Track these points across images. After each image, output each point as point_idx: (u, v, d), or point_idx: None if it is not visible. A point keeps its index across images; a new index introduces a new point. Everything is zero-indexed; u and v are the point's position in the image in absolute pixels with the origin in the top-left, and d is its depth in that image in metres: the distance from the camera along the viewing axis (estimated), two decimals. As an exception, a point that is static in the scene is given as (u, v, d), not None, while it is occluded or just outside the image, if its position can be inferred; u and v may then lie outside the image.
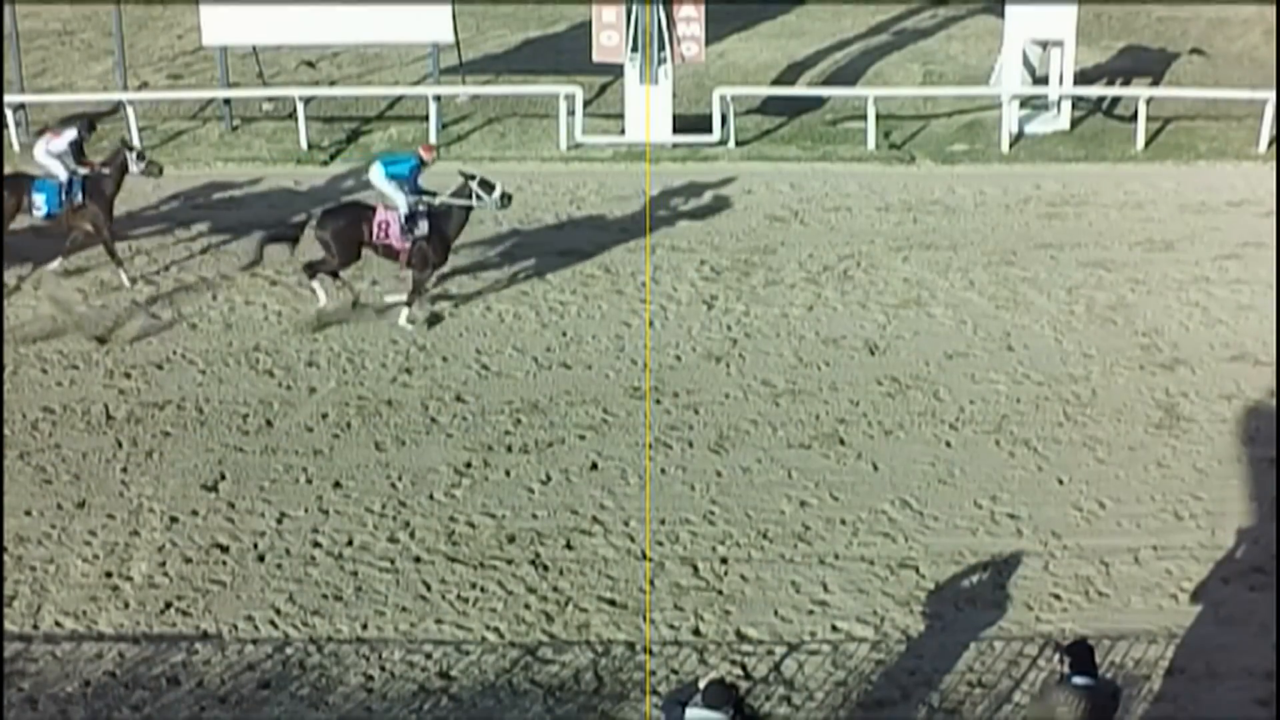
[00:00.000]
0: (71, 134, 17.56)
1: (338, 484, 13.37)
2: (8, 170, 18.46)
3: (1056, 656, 8.95)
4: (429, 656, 11.10)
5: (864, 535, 12.57)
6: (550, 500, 13.12)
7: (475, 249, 17.98)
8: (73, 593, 11.86)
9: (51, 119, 22.40)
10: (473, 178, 16.50)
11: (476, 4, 26.45)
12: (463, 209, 16.43)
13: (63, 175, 17.29)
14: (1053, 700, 8.78)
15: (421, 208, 16.30)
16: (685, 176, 20.55)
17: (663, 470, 13.57)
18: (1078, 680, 8.71)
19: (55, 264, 17.45)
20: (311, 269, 16.41)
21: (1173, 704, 10.55)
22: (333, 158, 21.55)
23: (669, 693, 9.59)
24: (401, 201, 16.22)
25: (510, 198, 16.70)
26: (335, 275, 16.47)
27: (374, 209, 16.35)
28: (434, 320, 16.35)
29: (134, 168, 17.47)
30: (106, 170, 17.46)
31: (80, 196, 17.26)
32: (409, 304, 16.31)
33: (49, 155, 17.40)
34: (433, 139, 21.79)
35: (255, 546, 12.47)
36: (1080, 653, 8.81)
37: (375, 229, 16.19)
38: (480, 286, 17.26)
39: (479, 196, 16.36)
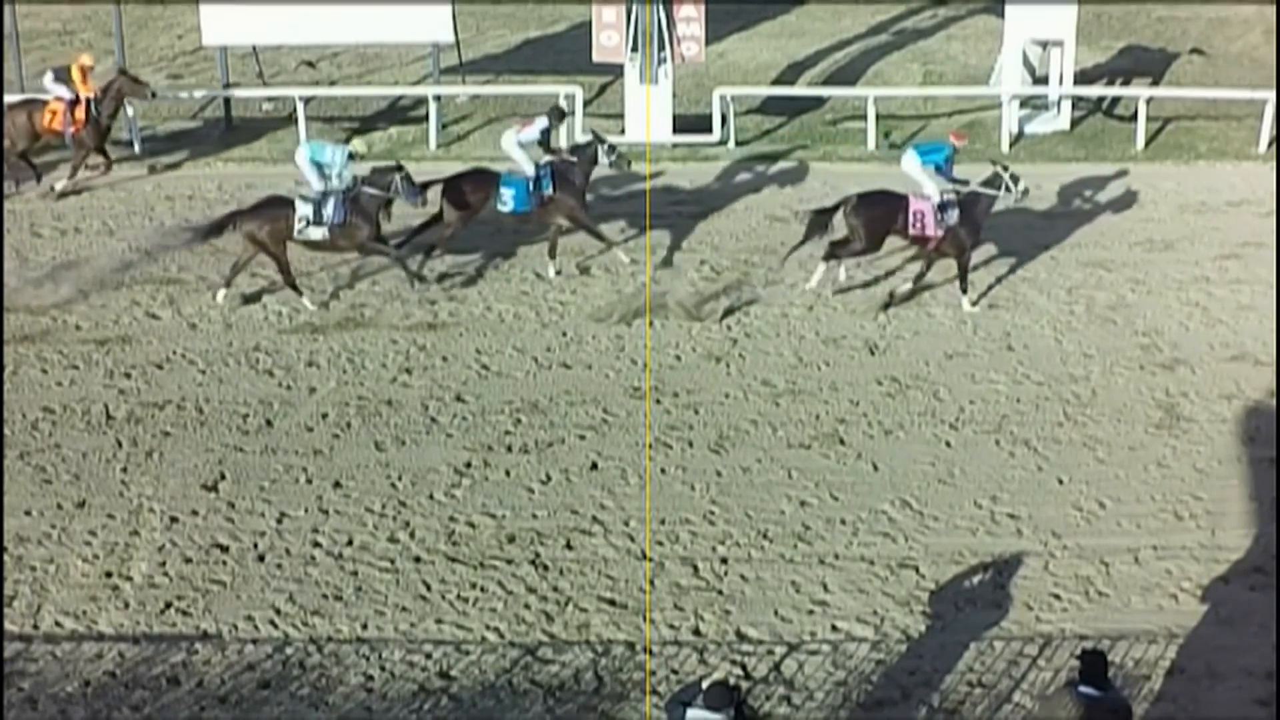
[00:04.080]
0: (543, 122, 17.66)
1: (338, 484, 13.37)
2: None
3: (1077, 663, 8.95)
4: (429, 656, 11.11)
5: (864, 535, 12.58)
6: (550, 500, 13.12)
7: (475, 249, 17.97)
8: (73, 593, 11.86)
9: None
10: (1005, 169, 16.79)
11: (476, 4, 26.40)
12: (989, 197, 16.71)
13: (529, 169, 17.32)
14: (1054, 704, 8.80)
15: (950, 196, 16.55)
16: (685, 176, 20.53)
17: (663, 470, 13.57)
18: (1083, 690, 8.70)
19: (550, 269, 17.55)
20: (834, 252, 16.66)
21: (1173, 704, 10.56)
22: (333, 157, 21.49)
23: (672, 693, 9.60)
24: (934, 190, 16.50)
25: (1028, 192, 17.10)
26: (859, 255, 16.84)
27: (907, 198, 16.58)
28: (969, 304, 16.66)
29: (604, 159, 17.57)
30: (574, 159, 17.59)
31: (550, 189, 17.35)
32: (964, 290, 16.66)
33: (518, 146, 17.47)
34: (433, 139, 21.77)
35: (255, 546, 12.48)
36: (1091, 663, 8.80)
37: (910, 219, 16.46)
38: (480, 286, 17.25)
39: (1008, 187, 16.62)
